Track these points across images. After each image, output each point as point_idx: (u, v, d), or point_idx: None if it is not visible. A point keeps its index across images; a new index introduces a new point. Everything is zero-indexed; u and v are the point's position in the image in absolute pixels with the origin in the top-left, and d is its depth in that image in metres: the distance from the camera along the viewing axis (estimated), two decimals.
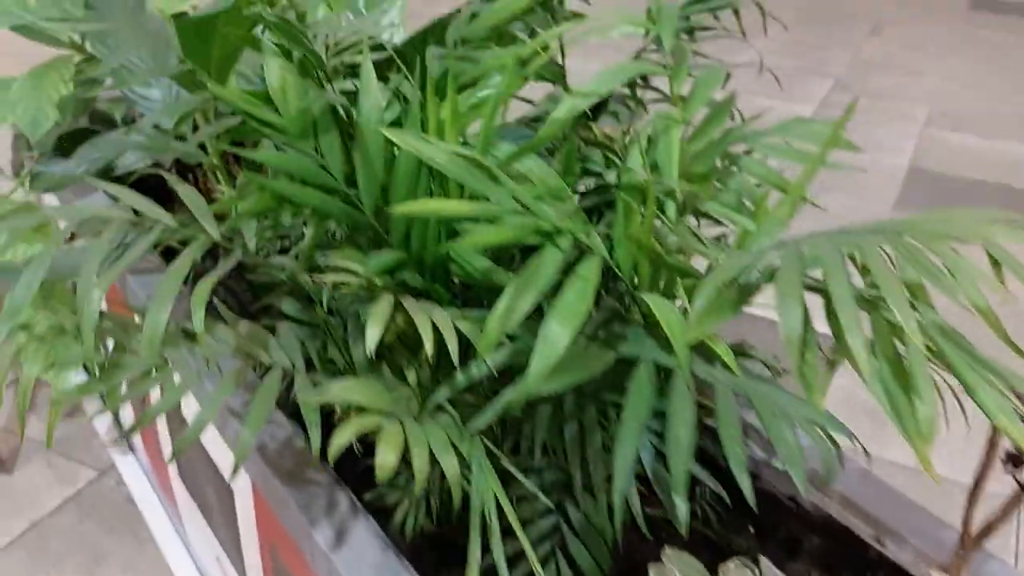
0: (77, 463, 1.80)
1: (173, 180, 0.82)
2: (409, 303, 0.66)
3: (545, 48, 0.75)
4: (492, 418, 0.63)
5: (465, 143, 0.73)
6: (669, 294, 0.84)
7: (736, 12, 1.02)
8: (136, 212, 0.85)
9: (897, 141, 3.11)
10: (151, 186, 1.40)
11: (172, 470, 1.46)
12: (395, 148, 0.75)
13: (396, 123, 0.75)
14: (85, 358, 0.67)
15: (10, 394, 1.94)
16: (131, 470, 1.78)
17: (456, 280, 0.80)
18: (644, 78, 1.04)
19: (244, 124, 0.66)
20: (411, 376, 0.76)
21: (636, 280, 0.73)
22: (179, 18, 0.87)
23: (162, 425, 1.42)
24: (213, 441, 1.09)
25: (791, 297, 0.61)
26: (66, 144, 1.43)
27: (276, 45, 0.66)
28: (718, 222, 0.89)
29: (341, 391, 0.64)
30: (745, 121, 0.97)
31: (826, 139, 0.92)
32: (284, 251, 0.88)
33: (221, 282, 1.26)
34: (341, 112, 0.70)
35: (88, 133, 1.48)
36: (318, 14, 1.20)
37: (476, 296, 0.80)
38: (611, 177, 0.83)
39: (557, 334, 0.61)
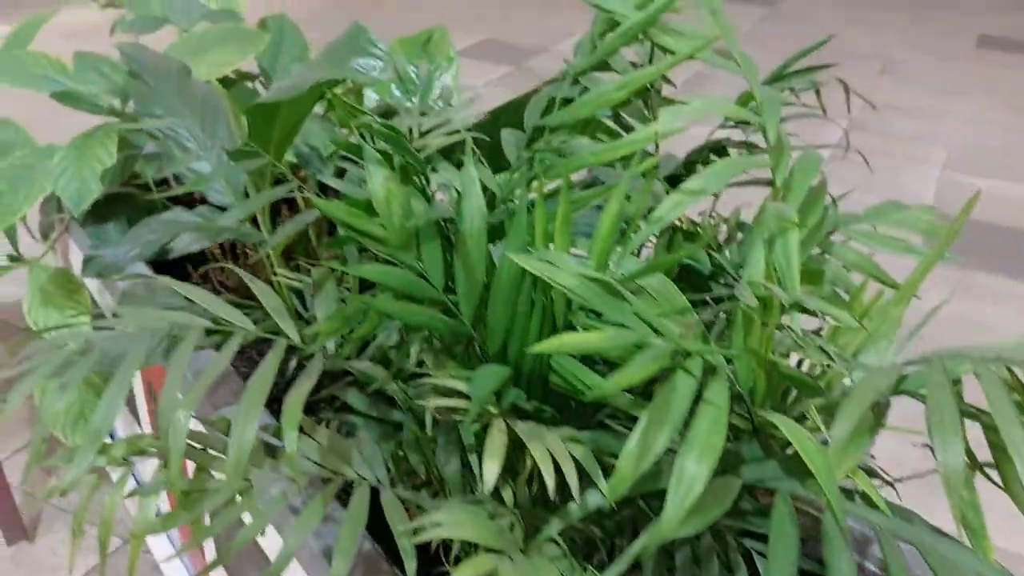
0: (92, 526, 1.74)
1: (247, 277, 0.77)
2: (521, 429, 0.61)
3: (653, 144, 0.71)
4: (623, 568, 0.58)
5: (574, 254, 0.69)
6: (781, 407, 0.79)
7: (817, 92, 0.99)
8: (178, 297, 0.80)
9: (919, 185, 3.08)
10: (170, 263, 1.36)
11: (208, 547, 1.40)
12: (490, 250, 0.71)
13: (495, 226, 0.70)
14: (172, 487, 0.62)
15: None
16: (159, 540, 1.71)
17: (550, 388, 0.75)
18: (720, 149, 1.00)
19: (345, 236, 0.62)
20: (507, 495, 0.71)
21: (753, 395, 0.69)
22: (251, 107, 0.83)
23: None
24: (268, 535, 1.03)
25: (949, 431, 0.56)
26: (100, 208, 1.39)
27: (378, 151, 0.62)
28: (804, 310, 0.84)
29: (452, 529, 0.59)
30: (835, 203, 0.93)
31: (925, 225, 0.88)
32: (362, 348, 0.83)
33: (247, 359, 1.21)
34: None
35: (122, 197, 1.43)
36: (370, 93, 1.16)
37: (568, 406, 0.76)
38: (709, 273, 0.79)
39: (694, 473, 0.56)
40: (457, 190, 0.65)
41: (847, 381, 0.83)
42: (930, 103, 3.89)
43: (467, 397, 0.66)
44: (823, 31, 4.85)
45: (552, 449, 0.61)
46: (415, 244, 0.64)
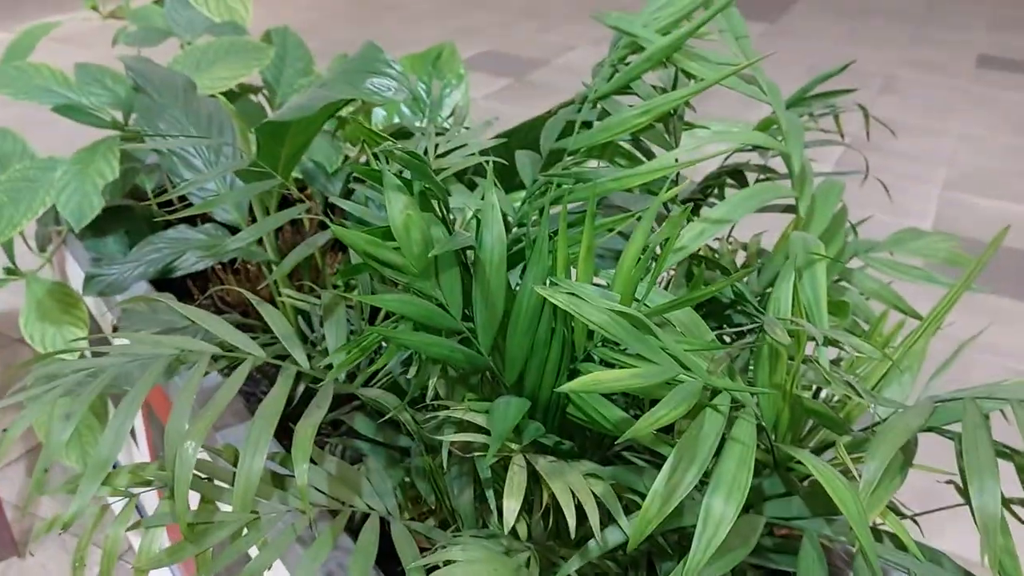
0: (93, 545, 1.71)
1: (258, 302, 0.75)
2: (542, 466, 0.60)
3: (675, 172, 0.69)
4: None
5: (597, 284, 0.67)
6: (802, 442, 0.77)
7: (836, 117, 0.97)
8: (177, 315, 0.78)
9: (920, 204, 3.08)
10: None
11: None
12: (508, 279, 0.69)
13: (514, 251, 0.68)
14: (179, 520, 0.60)
15: (22, 468, 1.85)
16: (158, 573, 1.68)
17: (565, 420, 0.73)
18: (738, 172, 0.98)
19: (361, 264, 0.60)
20: (522, 529, 0.69)
21: (775, 429, 0.67)
22: (261, 126, 0.81)
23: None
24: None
25: (986, 473, 0.54)
26: (99, 221, 1.37)
27: (398, 177, 0.60)
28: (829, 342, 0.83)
29: (468, 568, 0.57)
30: (855, 230, 0.92)
31: (947, 254, 0.87)
32: (371, 375, 0.81)
33: (247, 378, 1.18)
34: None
35: (121, 209, 1.41)
36: (377, 111, 1.15)
37: (584, 436, 0.74)
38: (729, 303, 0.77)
39: (721, 513, 0.54)
40: (476, 216, 0.63)
41: (868, 414, 0.81)
42: (930, 122, 3.89)
43: (485, 431, 0.64)
44: (823, 48, 4.86)
45: (573, 487, 0.59)
46: (434, 272, 0.62)
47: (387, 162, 0.68)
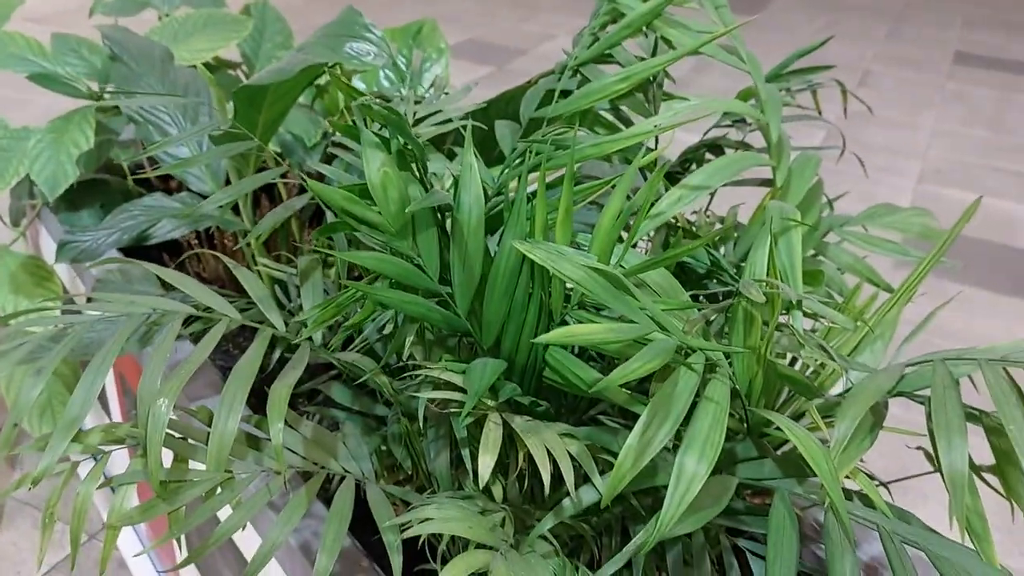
0: (66, 524, 1.69)
1: (234, 266, 0.75)
2: (517, 424, 0.60)
3: (653, 139, 0.69)
4: (620, 565, 0.56)
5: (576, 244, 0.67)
6: (774, 406, 0.78)
7: (814, 92, 0.98)
8: (162, 285, 0.78)
9: (895, 196, 3.10)
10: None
11: (176, 545, 1.36)
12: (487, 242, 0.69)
13: (492, 217, 0.68)
14: (151, 477, 0.59)
15: None
16: (125, 536, 1.67)
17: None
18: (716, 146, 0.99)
19: (337, 222, 0.60)
20: (497, 491, 0.69)
21: (749, 394, 0.67)
22: (238, 89, 0.80)
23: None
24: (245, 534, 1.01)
25: (955, 432, 0.55)
26: (73, 194, 1.35)
27: (376, 135, 0.60)
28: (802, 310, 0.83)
29: (442, 524, 0.57)
30: (831, 204, 0.92)
31: (919, 228, 0.88)
32: (346, 341, 0.81)
33: (222, 352, 1.18)
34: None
35: (95, 183, 1.40)
36: (357, 82, 1.14)
37: (561, 400, 0.74)
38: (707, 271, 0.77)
39: (694, 470, 0.54)
40: (455, 179, 0.63)
41: (841, 383, 0.82)
42: (907, 116, 3.92)
43: (462, 390, 0.64)
44: (802, 41, 4.88)
45: (549, 445, 0.59)
46: (411, 232, 0.62)
47: (367, 125, 0.68)
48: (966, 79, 4.49)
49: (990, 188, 3.23)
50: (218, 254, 0.73)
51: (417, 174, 0.65)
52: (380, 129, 0.64)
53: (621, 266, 0.61)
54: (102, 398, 1.46)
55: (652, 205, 0.71)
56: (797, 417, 0.79)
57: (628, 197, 0.80)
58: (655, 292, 0.63)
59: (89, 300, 1.22)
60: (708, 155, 0.96)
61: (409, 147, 0.63)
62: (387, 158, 0.61)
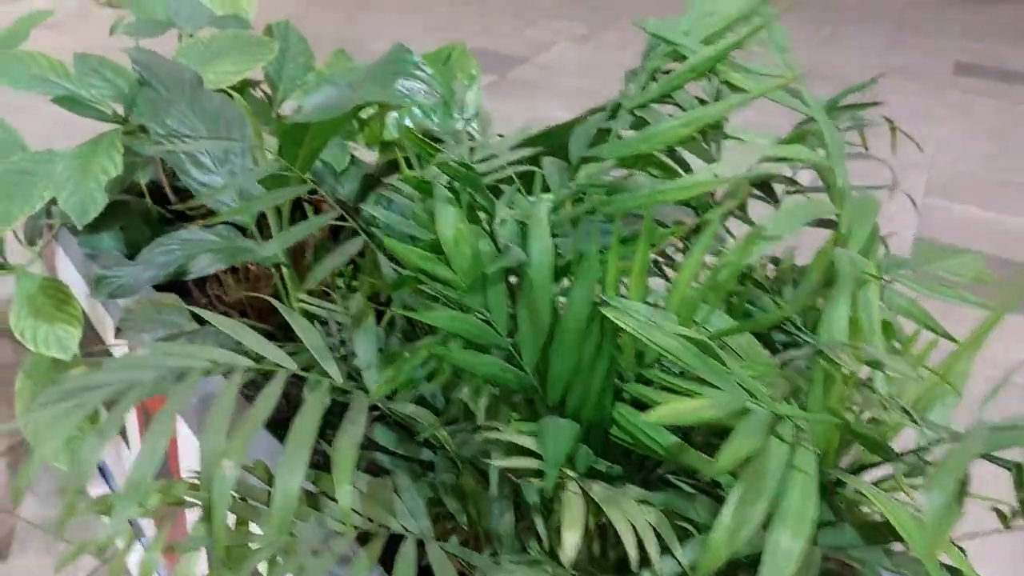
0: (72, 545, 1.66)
1: (286, 312, 0.72)
2: (596, 493, 0.58)
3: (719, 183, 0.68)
4: None
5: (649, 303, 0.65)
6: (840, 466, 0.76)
7: (861, 131, 0.96)
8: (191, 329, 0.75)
9: (902, 212, 3.10)
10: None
11: None
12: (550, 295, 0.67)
13: (561, 269, 0.66)
14: (216, 544, 0.57)
15: (3, 465, 1.80)
16: (139, 559, 1.64)
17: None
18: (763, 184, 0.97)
19: (408, 276, 0.58)
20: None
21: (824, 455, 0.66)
22: (282, 125, 0.78)
23: (191, 516, 1.30)
24: None
25: None
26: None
27: (448, 189, 0.58)
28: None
29: None
30: (886, 245, 0.91)
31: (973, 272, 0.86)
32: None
33: (249, 381, 1.15)
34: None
35: (116, 204, 1.37)
36: (393, 116, 1.12)
37: (626, 458, 0.72)
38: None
39: (788, 547, 0.53)
40: (521, 225, 0.61)
41: (903, 436, 0.80)
42: (910, 128, 3.92)
43: (533, 453, 0.62)
44: (803, 54, 4.88)
45: (630, 516, 0.57)
46: (483, 288, 0.60)
47: (419, 165, 0.66)
48: (967, 89, 4.50)
49: (995, 203, 3.22)
50: (278, 304, 0.71)
51: (487, 228, 0.62)
52: (449, 181, 0.62)
53: (705, 327, 0.60)
54: (122, 433, 1.44)
55: (719, 254, 0.69)
56: (856, 470, 0.78)
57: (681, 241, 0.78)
58: (737, 354, 0.61)
59: (118, 330, 1.19)
60: (755, 191, 0.95)
61: (479, 200, 0.61)
62: (458, 213, 0.59)
